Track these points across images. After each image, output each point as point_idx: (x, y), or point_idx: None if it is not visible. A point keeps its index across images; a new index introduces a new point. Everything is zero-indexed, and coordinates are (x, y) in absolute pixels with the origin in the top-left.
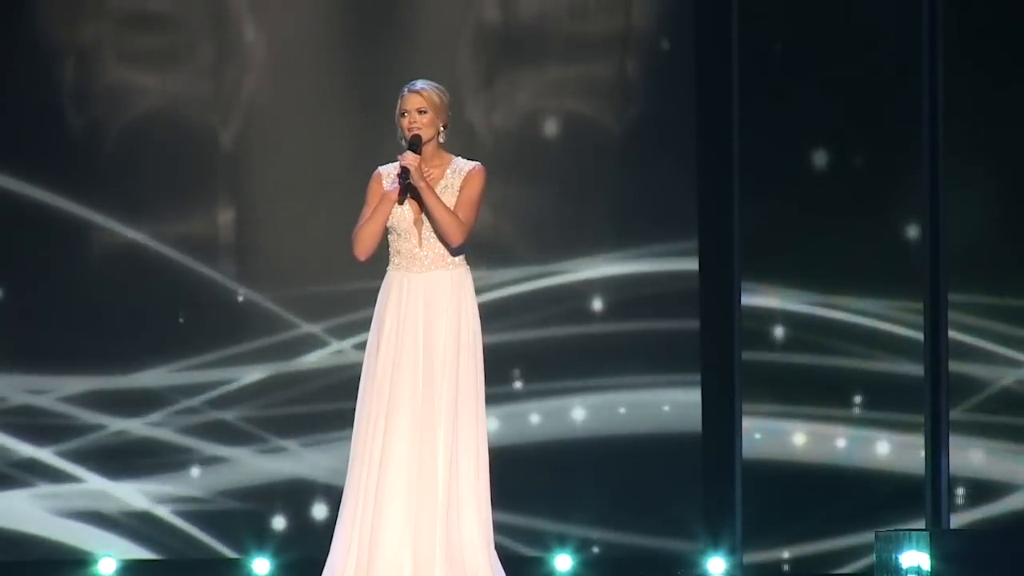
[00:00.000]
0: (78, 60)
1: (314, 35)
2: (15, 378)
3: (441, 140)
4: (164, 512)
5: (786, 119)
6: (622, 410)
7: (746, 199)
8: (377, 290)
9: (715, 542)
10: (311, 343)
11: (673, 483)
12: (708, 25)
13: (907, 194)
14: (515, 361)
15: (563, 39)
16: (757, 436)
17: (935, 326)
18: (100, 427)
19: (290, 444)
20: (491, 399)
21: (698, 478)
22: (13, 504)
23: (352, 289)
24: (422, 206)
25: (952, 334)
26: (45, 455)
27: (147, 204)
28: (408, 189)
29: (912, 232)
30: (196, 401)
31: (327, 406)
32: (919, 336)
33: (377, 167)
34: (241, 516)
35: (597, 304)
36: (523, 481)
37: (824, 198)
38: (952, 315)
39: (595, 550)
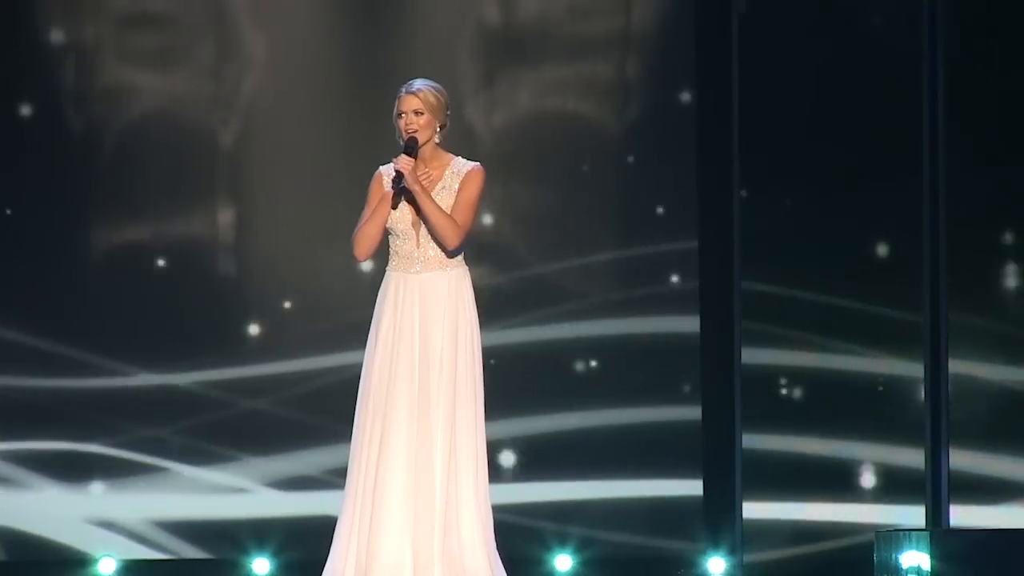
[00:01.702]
0: (78, 60)
1: (314, 35)
2: (15, 378)
3: (438, 141)
4: (164, 512)
5: (787, 118)
6: (622, 410)
7: (746, 199)
8: (376, 290)
9: (715, 542)
10: (311, 343)
11: (673, 483)
12: (708, 25)
13: (909, 193)
14: (514, 361)
15: (563, 39)
16: (757, 436)
17: (935, 325)
18: (100, 427)
19: (291, 444)
20: (490, 399)
21: (698, 477)
22: (14, 504)
23: (352, 289)
24: (418, 210)
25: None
26: (45, 455)
27: (147, 204)
28: (403, 192)
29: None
30: (196, 401)
31: (327, 406)
32: (919, 335)
33: (378, 167)
34: (241, 517)
35: (596, 304)
36: (523, 481)
37: (825, 197)
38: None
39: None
